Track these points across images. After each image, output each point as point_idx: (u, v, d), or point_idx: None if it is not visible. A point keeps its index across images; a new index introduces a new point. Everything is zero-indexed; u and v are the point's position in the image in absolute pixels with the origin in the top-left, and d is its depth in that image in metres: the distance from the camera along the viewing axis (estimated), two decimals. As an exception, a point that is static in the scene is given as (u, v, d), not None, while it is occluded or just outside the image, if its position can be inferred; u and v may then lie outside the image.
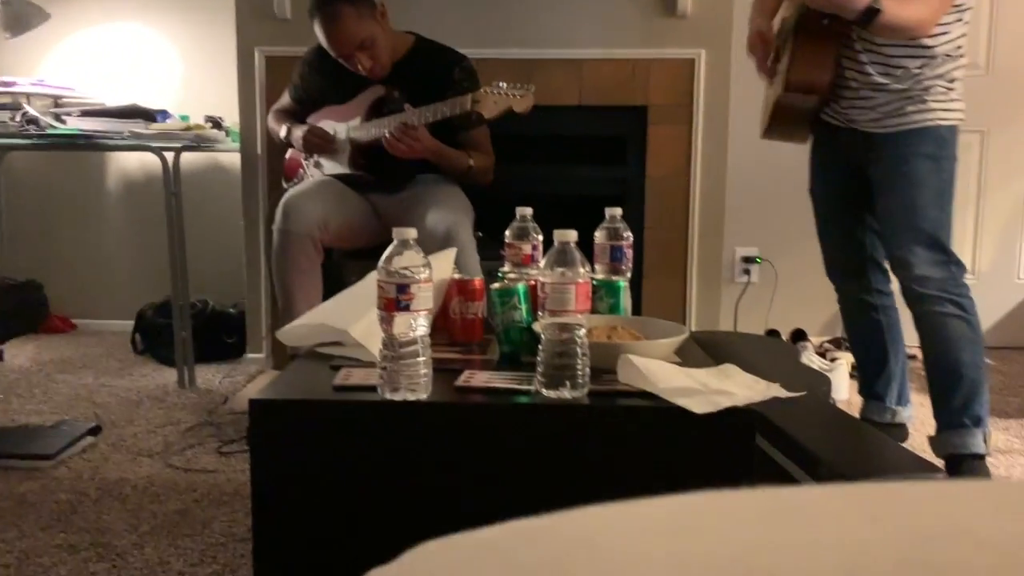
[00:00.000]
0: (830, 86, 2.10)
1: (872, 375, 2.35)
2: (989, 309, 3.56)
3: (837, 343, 3.31)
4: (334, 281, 2.46)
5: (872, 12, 1.88)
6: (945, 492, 0.26)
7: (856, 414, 2.36)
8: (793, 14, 2.12)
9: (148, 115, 3.02)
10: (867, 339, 2.35)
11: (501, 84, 2.26)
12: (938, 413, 2.10)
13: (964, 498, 0.24)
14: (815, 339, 3.38)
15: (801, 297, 3.59)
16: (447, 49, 2.59)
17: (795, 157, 3.52)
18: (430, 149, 2.44)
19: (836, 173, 2.26)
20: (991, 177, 3.51)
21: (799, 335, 3.32)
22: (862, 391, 2.40)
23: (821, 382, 2.21)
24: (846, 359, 3.03)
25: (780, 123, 2.22)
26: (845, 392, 2.83)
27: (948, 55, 2.02)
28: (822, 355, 3.06)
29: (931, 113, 2.03)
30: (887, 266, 2.22)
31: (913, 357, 3.33)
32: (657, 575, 0.22)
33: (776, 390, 1.28)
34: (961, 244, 3.53)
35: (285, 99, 2.77)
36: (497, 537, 0.29)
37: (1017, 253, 3.54)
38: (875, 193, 2.13)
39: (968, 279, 2.07)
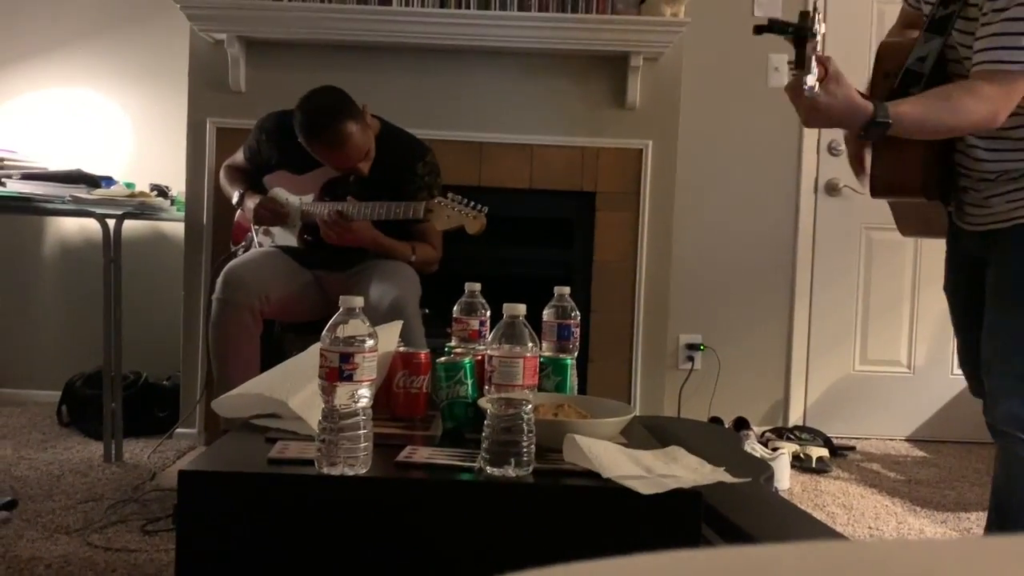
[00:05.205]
0: (925, 185, 1.74)
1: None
2: (924, 403, 3.63)
3: (779, 432, 3.33)
4: (274, 354, 2.40)
5: (878, 125, 1.51)
6: (907, 547, 0.25)
7: (796, 502, 2.35)
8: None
9: (92, 181, 2.97)
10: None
11: (457, 197, 2.28)
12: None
13: (928, 550, 0.23)
14: (757, 428, 3.39)
15: (744, 386, 3.62)
16: (412, 140, 2.60)
17: (736, 247, 3.62)
18: (368, 239, 2.43)
19: (960, 273, 1.88)
20: (925, 274, 3.63)
21: (741, 423, 3.34)
22: None
23: (764, 470, 2.21)
24: (787, 448, 3.05)
25: (904, 221, 1.94)
26: (786, 482, 2.83)
27: None
28: (764, 444, 3.07)
29: None
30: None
31: (852, 448, 3.37)
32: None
33: (721, 475, 1.27)
34: (897, 340, 3.62)
35: (239, 156, 2.71)
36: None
37: (950, 349, 3.63)
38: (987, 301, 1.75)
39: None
